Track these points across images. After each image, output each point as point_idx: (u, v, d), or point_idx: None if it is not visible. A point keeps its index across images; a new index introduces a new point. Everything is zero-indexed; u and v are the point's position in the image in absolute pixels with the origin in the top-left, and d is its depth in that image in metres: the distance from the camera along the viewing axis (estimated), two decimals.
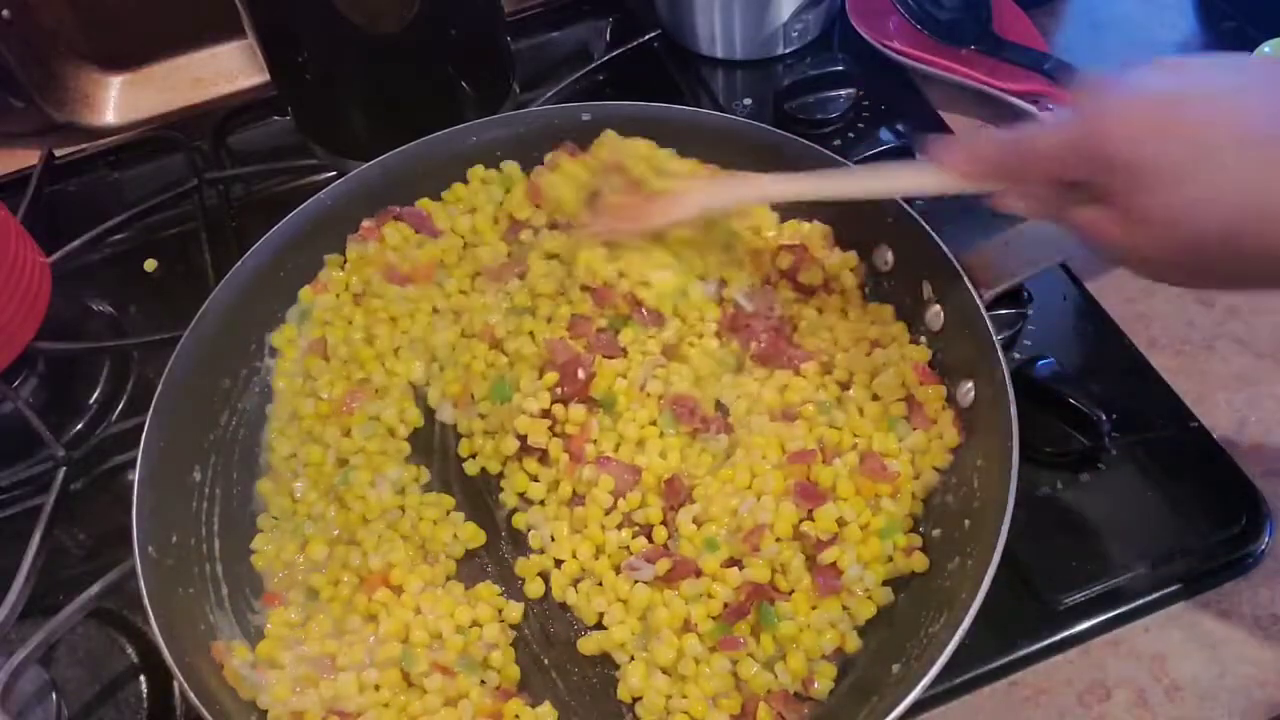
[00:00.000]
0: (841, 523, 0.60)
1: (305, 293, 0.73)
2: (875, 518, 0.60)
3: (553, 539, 0.63)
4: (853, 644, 0.58)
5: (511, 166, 0.78)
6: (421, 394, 0.71)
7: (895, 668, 0.55)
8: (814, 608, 0.58)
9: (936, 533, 0.60)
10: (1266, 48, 0.72)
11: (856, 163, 0.71)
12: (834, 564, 0.58)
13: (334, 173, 0.82)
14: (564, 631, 0.62)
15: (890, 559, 0.59)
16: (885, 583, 0.59)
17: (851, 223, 0.71)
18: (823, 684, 0.56)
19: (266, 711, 0.57)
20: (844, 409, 0.65)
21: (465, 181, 0.78)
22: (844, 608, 0.58)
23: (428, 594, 0.61)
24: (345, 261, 0.75)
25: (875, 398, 0.65)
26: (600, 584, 0.61)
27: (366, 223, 0.75)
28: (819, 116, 0.84)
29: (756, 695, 0.56)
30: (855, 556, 0.59)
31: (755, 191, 0.65)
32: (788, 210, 0.74)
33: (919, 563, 0.59)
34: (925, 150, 0.56)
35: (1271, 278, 0.44)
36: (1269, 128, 0.41)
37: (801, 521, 0.60)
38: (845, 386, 0.66)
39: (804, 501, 0.60)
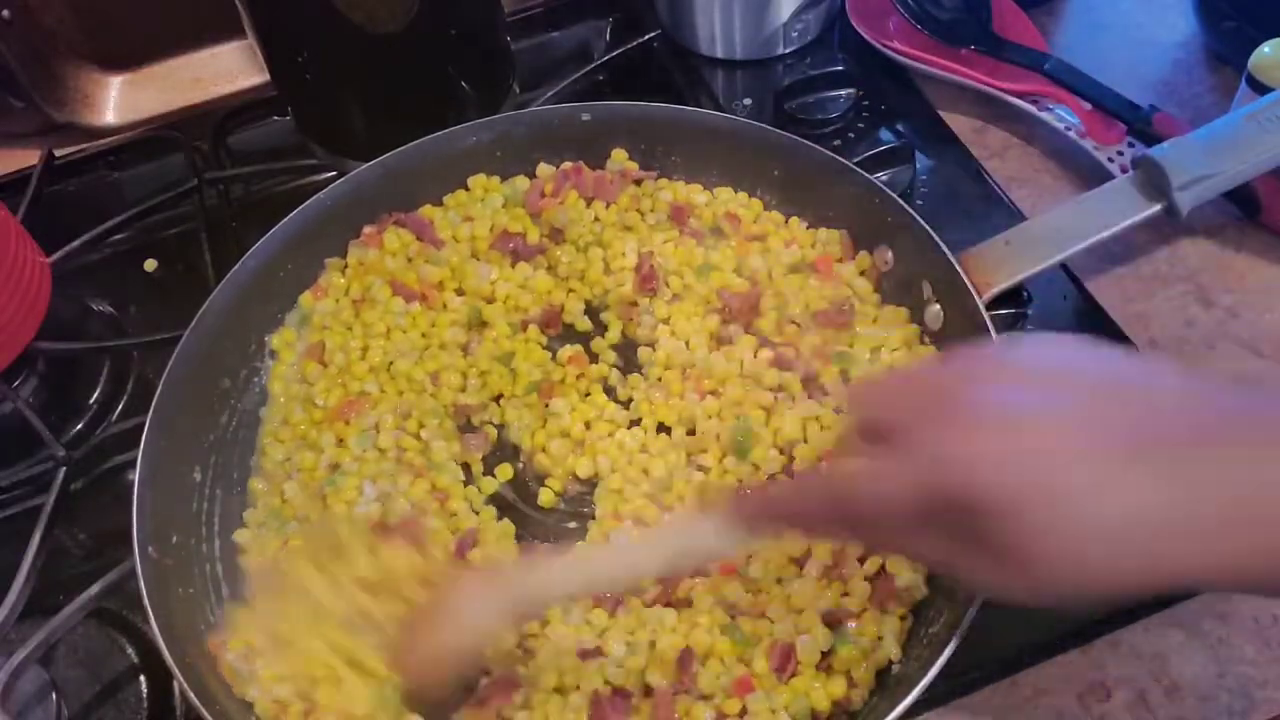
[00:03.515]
0: None
1: (305, 298, 0.73)
2: None
3: None
4: (897, 654, 0.56)
5: (520, 179, 0.78)
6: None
7: (895, 668, 0.56)
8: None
9: None
10: (1266, 48, 0.72)
11: (856, 163, 0.71)
12: (883, 569, 0.58)
13: (334, 173, 0.82)
14: None
15: None
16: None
17: (852, 224, 0.72)
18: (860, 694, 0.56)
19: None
20: None
21: (466, 186, 0.78)
22: (900, 618, 0.57)
23: None
24: (346, 266, 0.75)
25: None
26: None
27: (368, 228, 0.75)
28: (819, 116, 0.84)
29: None
30: (906, 559, 0.57)
31: (515, 604, 0.50)
32: (799, 214, 0.75)
33: None
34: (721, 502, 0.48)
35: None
36: (1125, 444, 0.36)
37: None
38: None
39: None
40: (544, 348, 0.71)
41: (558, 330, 0.72)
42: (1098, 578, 0.36)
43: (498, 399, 0.69)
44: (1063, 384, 0.38)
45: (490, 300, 0.73)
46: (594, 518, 0.64)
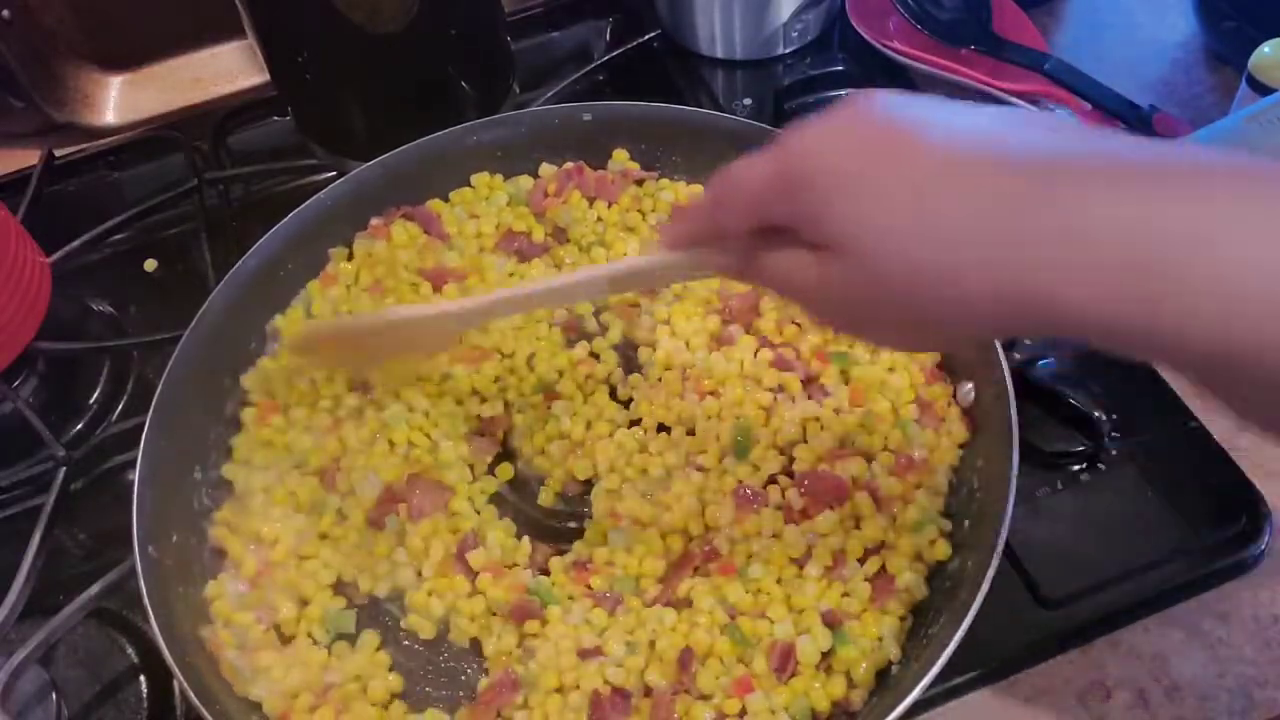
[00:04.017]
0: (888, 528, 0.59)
1: (313, 286, 0.74)
2: (906, 511, 0.60)
3: None
4: (896, 654, 0.56)
5: (524, 179, 0.78)
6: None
7: (895, 668, 0.56)
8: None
9: None
10: (1266, 48, 0.72)
11: None
12: (883, 569, 0.58)
13: (334, 173, 0.82)
14: None
15: (920, 555, 0.59)
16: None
17: None
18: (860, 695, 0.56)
19: (264, 712, 0.57)
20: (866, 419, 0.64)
21: (469, 183, 0.78)
22: (900, 618, 0.57)
23: None
24: (350, 255, 0.75)
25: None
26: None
27: (375, 220, 0.75)
28: None
29: None
30: (905, 559, 0.58)
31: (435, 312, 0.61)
32: None
33: (942, 551, 0.58)
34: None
35: (986, 328, 0.41)
36: (969, 150, 0.36)
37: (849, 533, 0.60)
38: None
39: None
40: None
41: (577, 334, 0.72)
42: (934, 285, 0.37)
43: (508, 406, 0.69)
44: (931, 117, 0.38)
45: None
46: (592, 518, 0.64)
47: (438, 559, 0.61)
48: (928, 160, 0.37)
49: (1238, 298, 0.32)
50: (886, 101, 0.39)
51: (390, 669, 0.60)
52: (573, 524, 0.65)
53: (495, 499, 0.66)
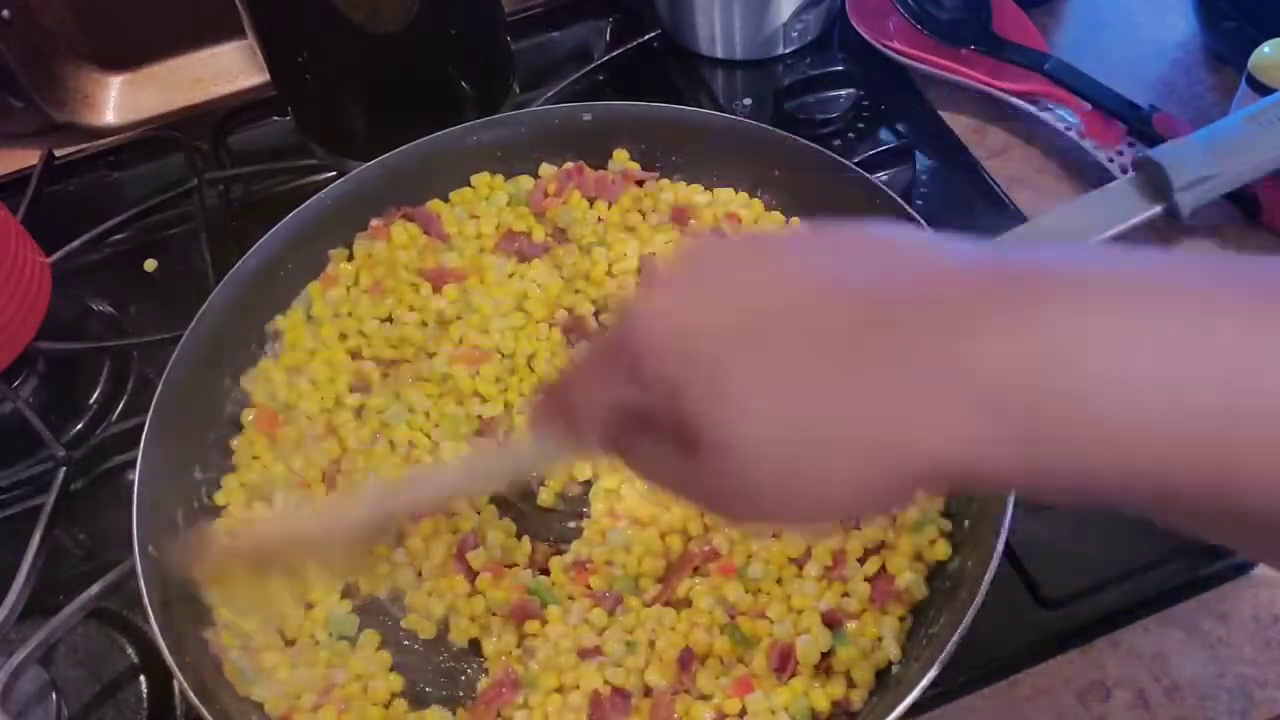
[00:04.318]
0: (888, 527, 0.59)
1: (314, 287, 0.74)
2: (906, 511, 0.59)
3: None
4: (896, 654, 0.56)
5: (524, 179, 0.78)
6: None
7: (895, 668, 0.56)
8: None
9: None
10: (1266, 48, 0.72)
11: (856, 163, 0.71)
12: (883, 569, 0.58)
13: (334, 173, 0.82)
14: None
15: (920, 555, 0.59)
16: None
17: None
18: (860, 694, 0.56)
19: (264, 712, 0.57)
20: None
21: (470, 183, 0.78)
22: (900, 619, 0.57)
23: None
24: (350, 256, 0.75)
25: None
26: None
27: (375, 221, 0.75)
28: (819, 116, 0.84)
29: None
30: (905, 559, 0.58)
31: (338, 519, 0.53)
32: (799, 214, 0.75)
33: (942, 551, 0.58)
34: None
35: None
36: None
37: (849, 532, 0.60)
38: None
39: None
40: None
41: (577, 335, 0.72)
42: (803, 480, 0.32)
43: (508, 407, 0.69)
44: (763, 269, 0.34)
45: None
46: (591, 517, 0.64)
47: (438, 559, 0.61)
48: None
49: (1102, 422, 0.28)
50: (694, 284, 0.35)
51: (390, 669, 0.60)
52: (572, 524, 0.65)
53: (495, 499, 0.66)
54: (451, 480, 0.53)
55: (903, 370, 0.30)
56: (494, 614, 0.60)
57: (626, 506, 0.62)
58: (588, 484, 0.65)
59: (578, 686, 0.56)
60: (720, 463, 0.33)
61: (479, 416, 0.68)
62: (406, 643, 0.61)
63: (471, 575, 0.61)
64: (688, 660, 0.56)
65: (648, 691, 0.56)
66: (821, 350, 0.31)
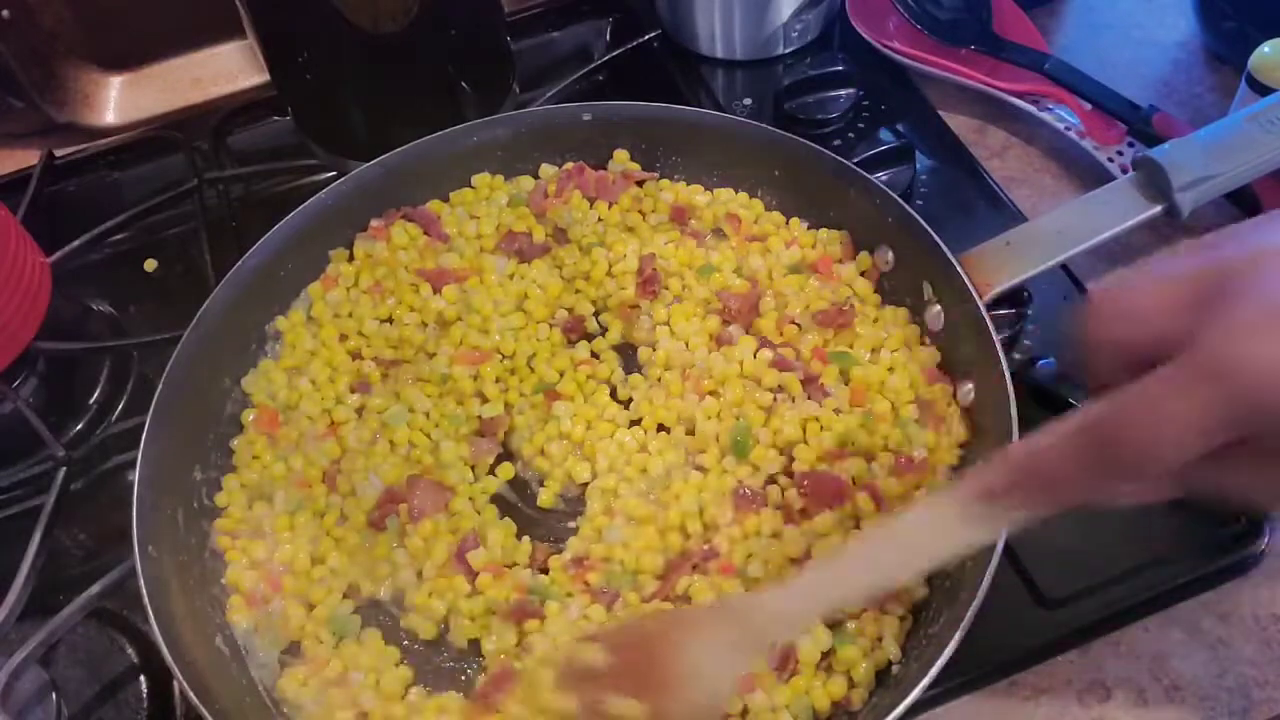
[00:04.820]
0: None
1: (314, 288, 0.74)
2: None
3: None
4: (896, 654, 0.56)
5: (524, 179, 0.78)
6: None
7: (895, 668, 0.56)
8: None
9: None
10: (1266, 48, 0.72)
11: (856, 163, 0.71)
12: None
13: (334, 173, 0.82)
14: None
15: None
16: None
17: (852, 224, 0.72)
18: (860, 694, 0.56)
19: (264, 712, 0.57)
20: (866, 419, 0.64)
21: (468, 185, 0.78)
22: (900, 619, 0.57)
23: None
24: (351, 257, 0.75)
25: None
26: None
27: (375, 222, 0.75)
28: (819, 116, 0.84)
29: None
30: None
31: (758, 643, 0.47)
32: (799, 215, 0.75)
33: None
34: (963, 487, 0.42)
35: None
36: None
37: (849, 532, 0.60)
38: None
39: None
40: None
41: (579, 335, 0.72)
42: None
43: (508, 407, 0.69)
44: None
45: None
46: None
47: (439, 560, 0.62)
48: None
49: None
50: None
51: (398, 663, 0.60)
52: (572, 524, 0.64)
53: (495, 499, 0.66)
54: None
55: None
56: (493, 613, 0.60)
57: (623, 505, 0.62)
58: (588, 485, 0.65)
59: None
60: None
61: (479, 417, 0.68)
62: (406, 643, 0.61)
63: (472, 575, 0.61)
64: None
65: None
66: None
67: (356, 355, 0.71)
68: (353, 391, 0.69)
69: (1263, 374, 0.31)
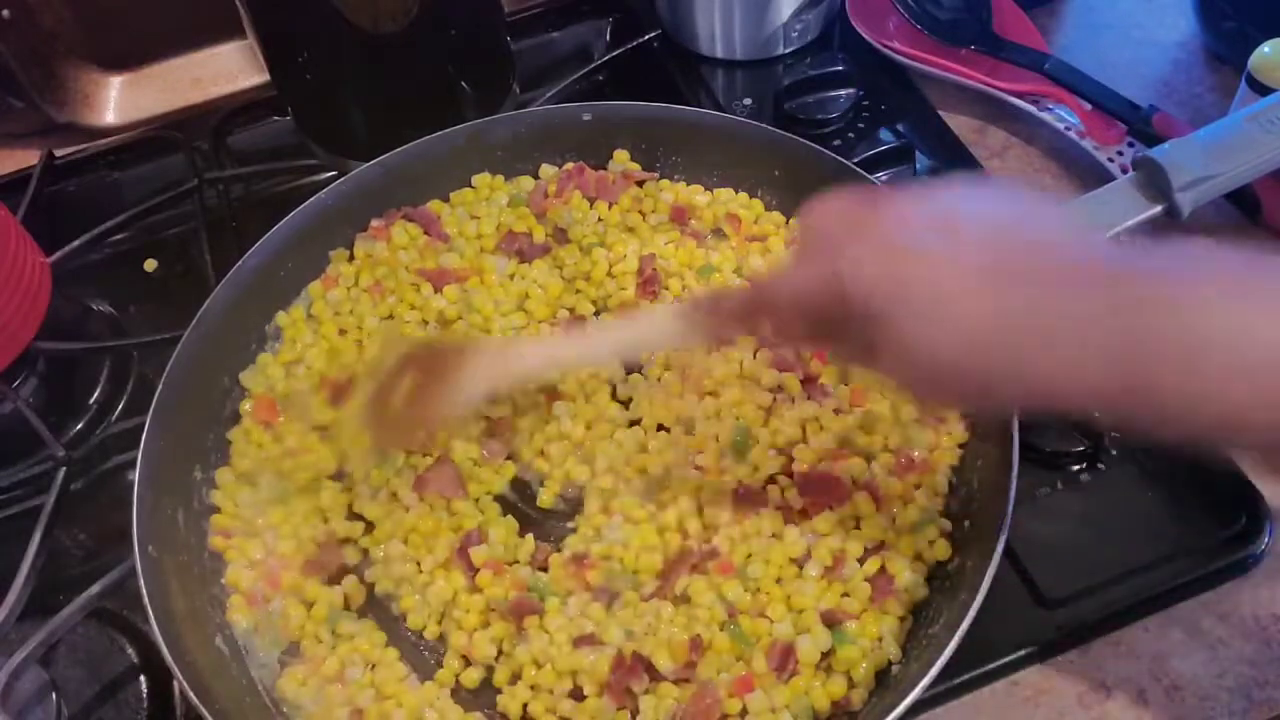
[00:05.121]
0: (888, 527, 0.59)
1: (314, 287, 0.74)
2: (906, 511, 0.60)
3: None
4: (896, 654, 0.56)
5: (524, 179, 0.78)
6: None
7: (895, 668, 0.56)
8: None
9: None
10: (1266, 48, 0.72)
11: (856, 163, 0.71)
12: (883, 569, 0.58)
13: (334, 173, 0.82)
14: None
15: (920, 555, 0.59)
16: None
17: None
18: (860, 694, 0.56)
19: (264, 712, 0.57)
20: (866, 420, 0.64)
21: (468, 185, 0.78)
22: (900, 619, 0.57)
23: None
24: (351, 257, 0.75)
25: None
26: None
27: (375, 222, 0.76)
28: (819, 116, 0.84)
29: None
30: (905, 559, 0.58)
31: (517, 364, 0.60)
32: (796, 214, 0.75)
33: (942, 551, 0.58)
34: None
35: (1007, 398, 0.50)
36: (982, 277, 0.43)
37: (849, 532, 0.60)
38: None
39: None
40: None
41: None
42: (953, 369, 0.44)
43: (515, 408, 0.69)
44: (960, 231, 0.45)
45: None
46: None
47: (440, 556, 0.62)
48: (946, 285, 0.43)
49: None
50: (914, 214, 0.46)
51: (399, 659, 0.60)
52: (572, 524, 0.65)
53: (496, 499, 0.66)
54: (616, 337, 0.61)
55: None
56: (493, 610, 0.60)
57: (622, 504, 0.62)
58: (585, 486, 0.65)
59: (573, 672, 0.56)
60: (902, 359, 0.45)
61: (487, 418, 0.68)
62: (406, 640, 0.61)
63: (472, 572, 0.61)
64: (694, 645, 0.56)
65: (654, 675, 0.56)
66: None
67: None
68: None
69: (848, 277, 0.45)
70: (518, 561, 0.62)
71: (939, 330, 0.43)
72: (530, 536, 0.63)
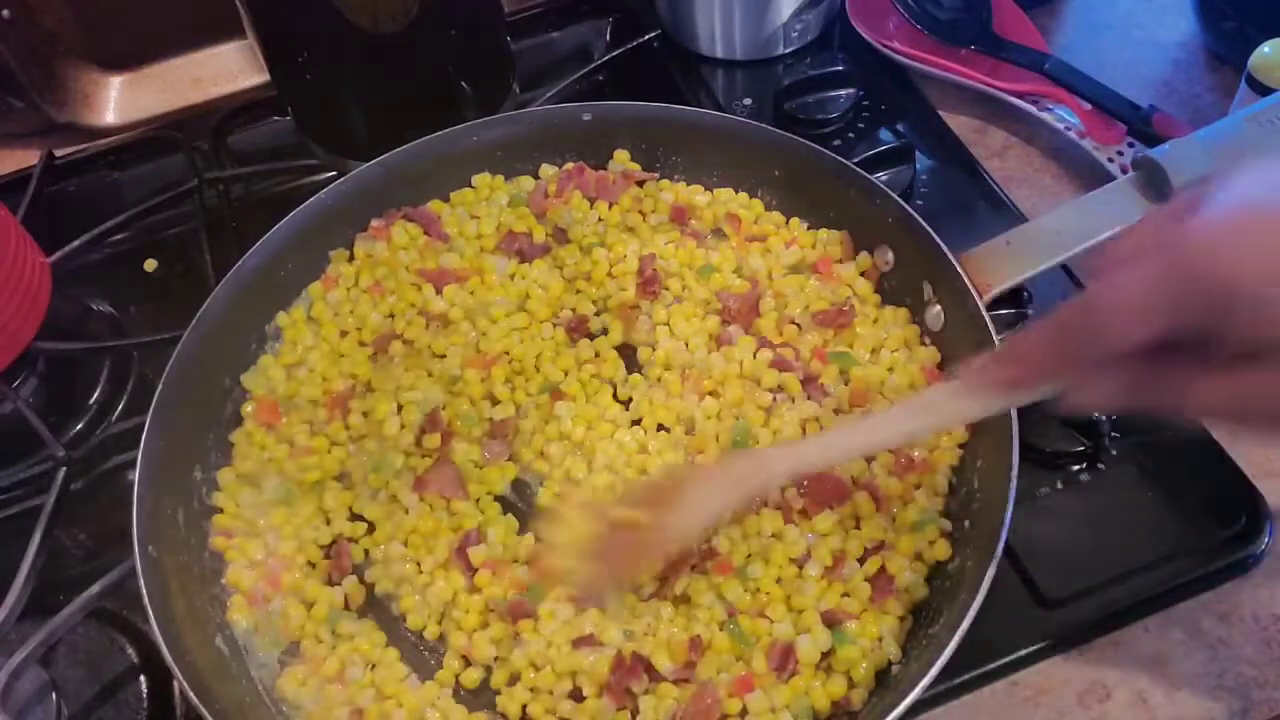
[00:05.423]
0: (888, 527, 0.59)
1: (314, 288, 0.74)
2: (906, 511, 0.60)
3: None
4: (896, 654, 0.56)
5: (524, 179, 0.78)
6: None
7: (895, 668, 0.56)
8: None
9: None
10: (1266, 48, 0.72)
11: (856, 163, 0.71)
12: (883, 569, 0.58)
13: (334, 173, 0.82)
14: None
15: (920, 555, 0.59)
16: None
17: (852, 224, 0.72)
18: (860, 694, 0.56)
19: (264, 712, 0.57)
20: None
21: (468, 185, 0.78)
22: (900, 619, 0.57)
23: None
24: (351, 257, 0.75)
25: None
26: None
27: (375, 222, 0.76)
28: (819, 116, 0.84)
29: None
30: (905, 559, 0.58)
31: (764, 475, 0.54)
32: (799, 215, 0.75)
33: (942, 551, 0.58)
34: (961, 372, 0.49)
35: None
36: None
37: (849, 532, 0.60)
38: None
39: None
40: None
41: (581, 334, 0.72)
42: None
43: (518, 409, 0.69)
44: None
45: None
46: None
47: (440, 557, 0.62)
48: None
49: None
50: (1248, 185, 0.37)
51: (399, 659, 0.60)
52: None
53: (496, 499, 0.66)
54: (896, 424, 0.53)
55: None
56: (491, 610, 0.60)
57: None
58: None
59: (573, 673, 0.56)
60: None
61: (490, 419, 0.68)
62: (405, 640, 0.61)
63: (471, 572, 0.61)
64: (694, 645, 0.56)
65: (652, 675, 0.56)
66: None
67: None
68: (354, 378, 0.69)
69: (1202, 247, 0.35)
70: (517, 561, 0.62)
71: None
72: (530, 535, 0.63)
